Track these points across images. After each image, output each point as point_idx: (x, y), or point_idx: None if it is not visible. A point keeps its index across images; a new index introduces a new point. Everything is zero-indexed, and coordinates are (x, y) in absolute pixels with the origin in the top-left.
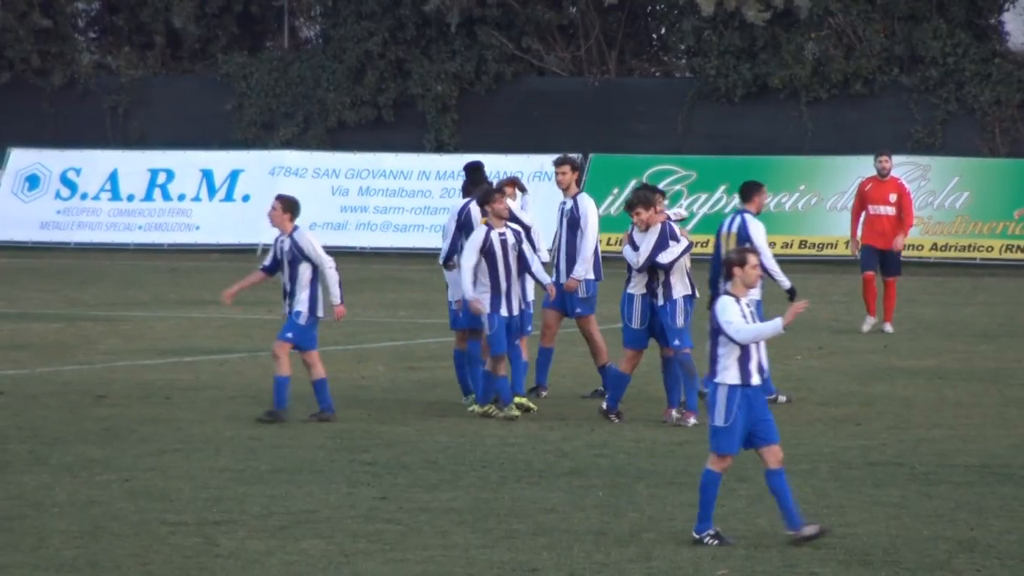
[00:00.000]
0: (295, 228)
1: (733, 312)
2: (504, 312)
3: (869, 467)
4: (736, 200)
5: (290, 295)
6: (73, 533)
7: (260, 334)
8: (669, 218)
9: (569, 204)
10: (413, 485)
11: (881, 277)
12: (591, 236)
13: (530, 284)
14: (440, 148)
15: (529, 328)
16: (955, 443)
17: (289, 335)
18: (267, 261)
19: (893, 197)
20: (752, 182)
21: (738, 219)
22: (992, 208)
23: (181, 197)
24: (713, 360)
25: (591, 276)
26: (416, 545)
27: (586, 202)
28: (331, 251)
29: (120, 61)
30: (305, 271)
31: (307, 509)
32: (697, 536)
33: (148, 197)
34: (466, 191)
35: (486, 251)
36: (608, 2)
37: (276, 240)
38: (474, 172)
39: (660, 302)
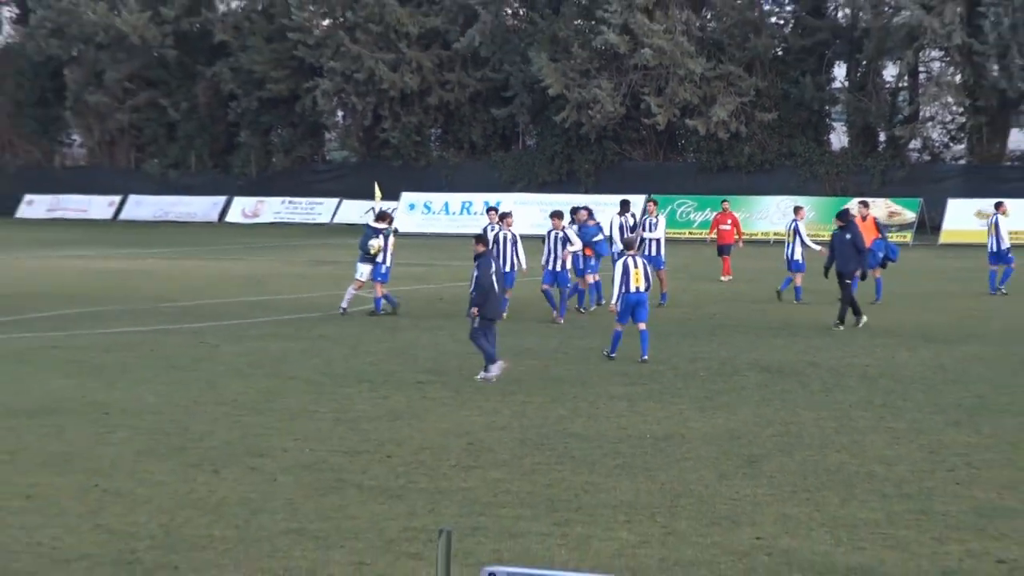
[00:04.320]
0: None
1: None
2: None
3: (759, 329)
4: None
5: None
6: (426, 358)
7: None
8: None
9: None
10: (573, 338)
11: (721, 258)
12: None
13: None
14: (586, 191)
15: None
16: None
17: (379, 279)
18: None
19: (729, 221)
20: None
21: None
22: (826, 217)
23: (477, 213)
24: None
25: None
26: (565, 367)
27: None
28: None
29: (449, 155)
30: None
31: (528, 348)
32: (610, 355)
33: (460, 213)
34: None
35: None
36: (659, 128)
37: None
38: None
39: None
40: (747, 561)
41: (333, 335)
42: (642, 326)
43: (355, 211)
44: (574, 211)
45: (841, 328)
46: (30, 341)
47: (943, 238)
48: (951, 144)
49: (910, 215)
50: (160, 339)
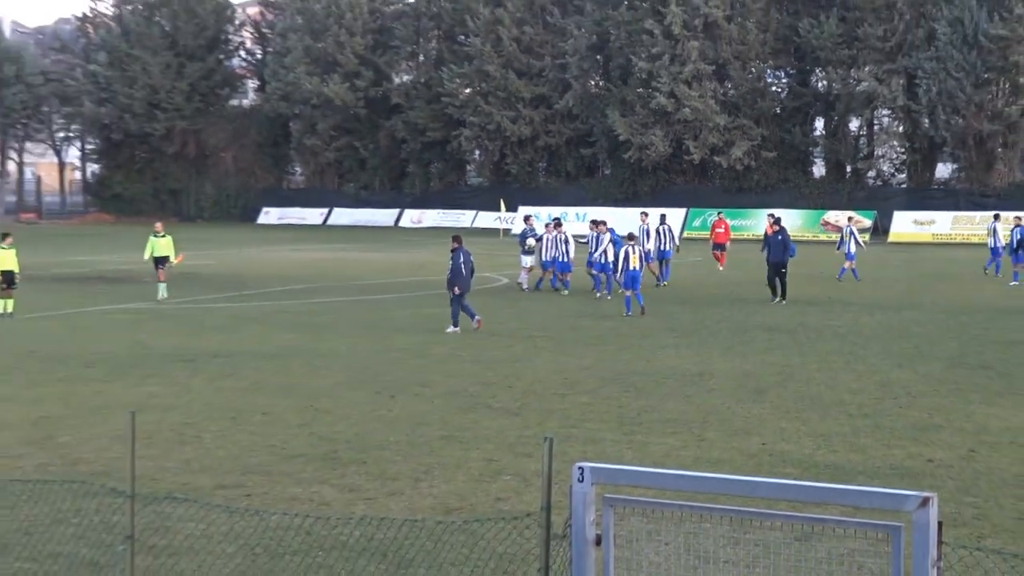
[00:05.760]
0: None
1: None
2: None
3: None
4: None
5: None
6: (536, 320)
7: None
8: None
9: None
10: (635, 307)
11: (716, 253)
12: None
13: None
14: (645, 206)
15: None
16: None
17: (547, 266)
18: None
19: (723, 226)
20: None
21: None
22: (807, 224)
23: (570, 220)
24: None
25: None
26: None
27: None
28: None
29: (551, 181)
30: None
31: (605, 314)
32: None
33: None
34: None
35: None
36: (695, 162)
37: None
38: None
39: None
40: (756, 460)
41: (472, 303)
42: (638, 291)
43: (488, 219)
44: (595, 223)
45: (783, 303)
46: (266, 308)
47: (891, 239)
48: (896, 174)
49: (868, 222)
50: (353, 306)
